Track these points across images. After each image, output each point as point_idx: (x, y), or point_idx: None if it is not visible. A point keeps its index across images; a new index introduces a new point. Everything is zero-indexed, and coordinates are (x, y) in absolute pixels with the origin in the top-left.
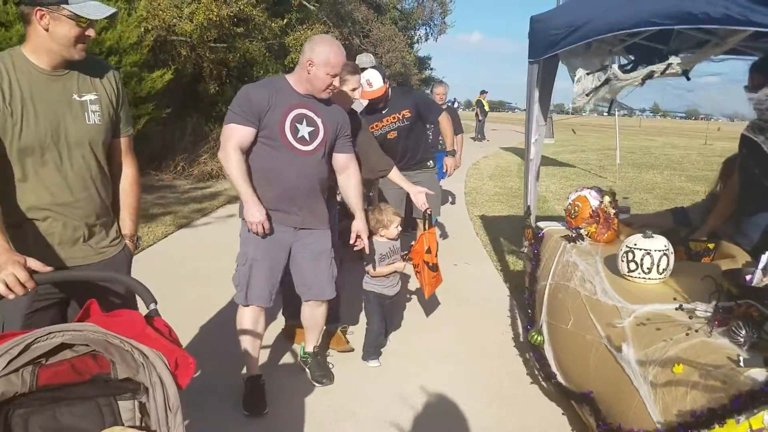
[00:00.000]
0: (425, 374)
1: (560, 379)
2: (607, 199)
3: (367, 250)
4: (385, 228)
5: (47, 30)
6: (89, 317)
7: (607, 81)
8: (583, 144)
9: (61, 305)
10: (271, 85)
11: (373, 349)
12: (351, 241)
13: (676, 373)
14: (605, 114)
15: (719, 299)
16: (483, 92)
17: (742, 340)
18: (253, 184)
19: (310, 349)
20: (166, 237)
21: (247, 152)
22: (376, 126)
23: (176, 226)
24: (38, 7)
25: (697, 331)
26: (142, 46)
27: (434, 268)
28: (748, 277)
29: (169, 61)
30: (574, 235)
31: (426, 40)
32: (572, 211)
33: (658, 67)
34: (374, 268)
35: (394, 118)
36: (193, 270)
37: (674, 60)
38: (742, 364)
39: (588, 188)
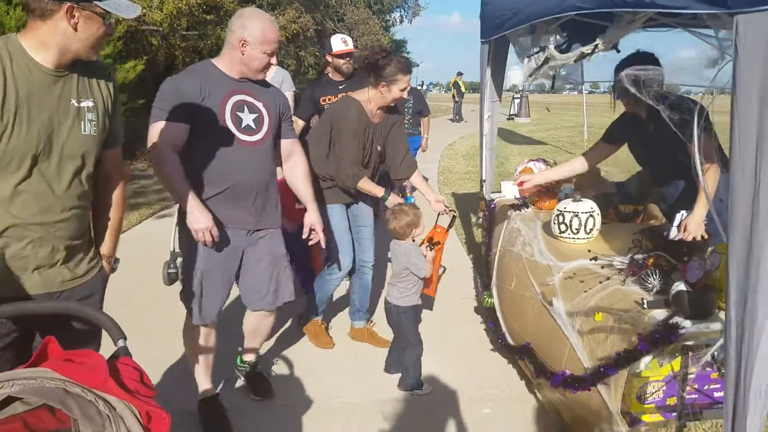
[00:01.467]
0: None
1: (508, 337)
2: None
3: (323, 244)
4: (417, 227)
5: (75, 29)
6: (46, 360)
7: (546, 61)
8: (557, 122)
9: (23, 342)
10: (199, 72)
11: (419, 374)
12: (304, 236)
13: (597, 320)
14: (581, 92)
15: (636, 253)
16: (459, 74)
17: (650, 286)
18: (208, 190)
19: (250, 358)
20: (140, 223)
21: (182, 151)
22: (328, 99)
23: (152, 213)
24: (69, 3)
25: (609, 278)
26: (113, 38)
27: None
28: (665, 233)
29: (140, 51)
30: (520, 203)
31: (401, 23)
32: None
33: (587, 48)
34: (428, 269)
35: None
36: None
37: (599, 40)
38: (645, 306)
39: (533, 160)
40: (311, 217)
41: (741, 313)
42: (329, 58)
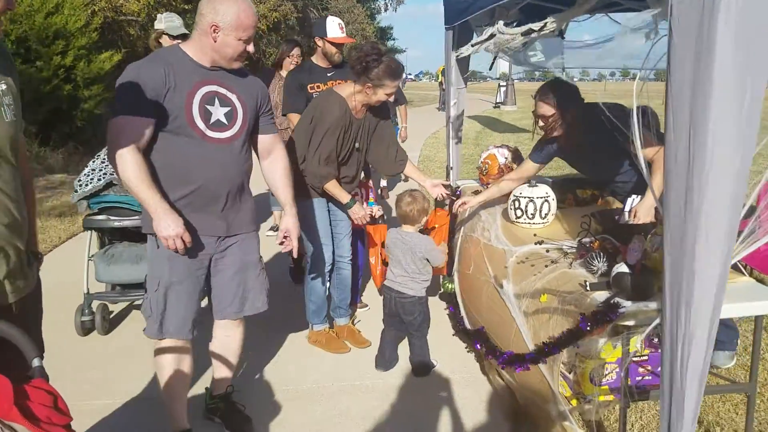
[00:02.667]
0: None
1: (465, 322)
2: (510, 156)
3: (294, 254)
4: (426, 215)
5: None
6: None
7: (491, 36)
8: None
9: None
10: (164, 59)
11: (428, 352)
12: (277, 242)
13: (542, 302)
14: (572, 79)
15: (584, 237)
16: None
17: (595, 269)
18: (173, 192)
19: (221, 390)
20: None
21: (144, 150)
22: (317, 87)
23: None
24: None
25: (554, 262)
26: (89, 29)
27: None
28: (617, 218)
29: (118, 42)
30: (483, 190)
31: (385, 11)
32: (483, 168)
33: (536, 25)
34: (443, 257)
35: (340, 83)
36: None
37: (549, 19)
38: (588, 288)
39: (497, 146)
40: (287, 223)
41: (677, 295)
42: (319, 42)
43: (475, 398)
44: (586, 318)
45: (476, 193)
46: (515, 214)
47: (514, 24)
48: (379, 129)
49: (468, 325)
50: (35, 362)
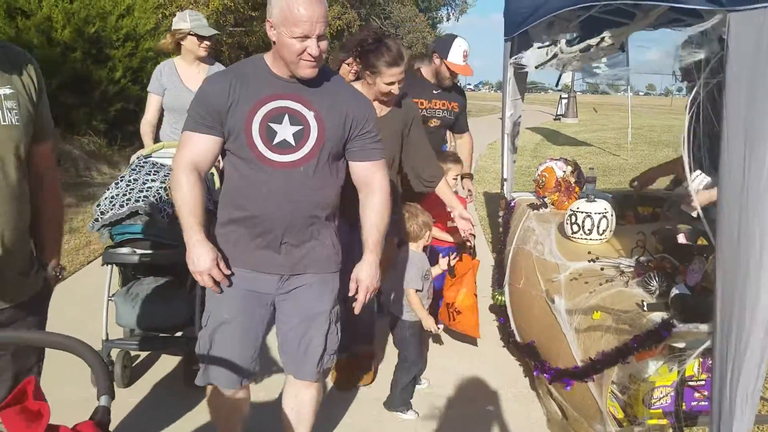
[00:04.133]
0: None
1: (516, 335)
2: (569, 169)
3: (357, 310)
4: (429, 230)
5: None
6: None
7: (555, 55)
8: (605, 123)
9: None
10: (237, 70)
11: (408, 396)
12: (351, 293)
13: (594, 319)
14: (638, 93)
15: (641, 255)
16: None
17: (653, 288)
18: (224, 216)
19: None
20: None
21: (221, 171)
22: (421, 104)
23: None
24: None
25: (610, 280)
26: (158, 32)
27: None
28: (679, 237)
29: None
30: (539, 203)
31: (447, 20)
32: (540, 181)
33: (594, 41)
34: (415, 285)
35: (444, 104)
36: None
37: (606, 33)
38: (645, 309)
39: (555, 159)
40: (360, 271)
41: (728, 317)
42: (436, 60)
43: (523, 413)
44: (637, 336)
45: (532, 205)
46: (571, 229)
47: (576, 39)
48: (411, 135)
49: (518, 339)
50: (102, 401)
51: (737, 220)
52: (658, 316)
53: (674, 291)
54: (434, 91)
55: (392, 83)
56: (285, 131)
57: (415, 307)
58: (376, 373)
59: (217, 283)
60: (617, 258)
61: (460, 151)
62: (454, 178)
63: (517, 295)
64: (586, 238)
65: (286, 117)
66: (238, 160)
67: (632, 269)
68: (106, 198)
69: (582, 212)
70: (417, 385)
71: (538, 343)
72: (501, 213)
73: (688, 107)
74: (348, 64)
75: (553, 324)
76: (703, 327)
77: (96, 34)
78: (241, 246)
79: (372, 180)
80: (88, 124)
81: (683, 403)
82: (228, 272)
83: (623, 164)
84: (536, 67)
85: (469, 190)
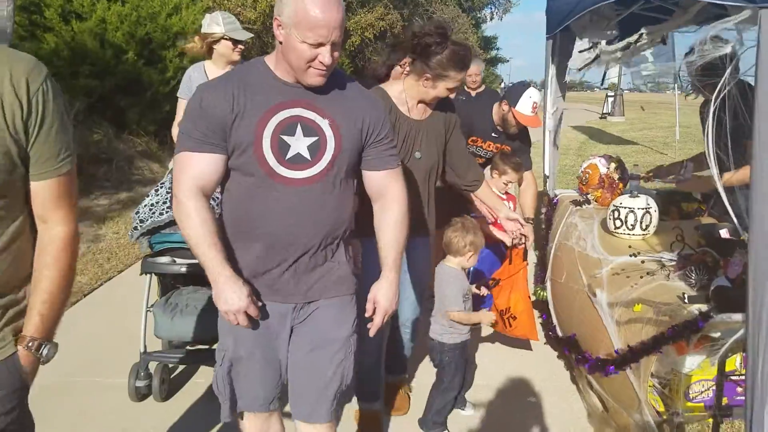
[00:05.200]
0: None
1: (558, 330)
2: (613, 165)
3: (372, 333)
4: (476, 252)
5: None
6: None
7: (596, 57)
8: (653, 122)
9: None
10: (238, 77)
11: (442, 418)
12: (367, 314)
13: (635, 311)
14: (689, 95)
15: (682, 249)
16: None
17: (693, 282)
18: (227, 242)
19: None
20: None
21: (229, 187)
22: (475, 141)
23: None
24: None
25: (651, 274)
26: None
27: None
28: (722, 231)
29: None
30: (582, 199)
31: (491, 19)
32: (584, 178)
33: (633, 38)
34: (455, 305)
35: (497, 147)
36: None
37: (644, 30)
38: (686, 301)
39: (599, 156)
40: (378, 290)
41: (759, 308)
42: (504, 106)
43: (564, 406)
44: (674, 326)
45: (575, 202)
46: (614, 225)
47: (616, 38)
48: (453, 136)
49: (560, 333)
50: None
51: None
52: (697, 308)
53: (715, 283)
54: (493, 134)
55: (455, 89)
56: (299, 144)
57: (463, 321)
58: (410, 401)
59: (251, 318)
60: (659, 252)
61: (524, 196)
62: (505, 183)
63: (558, 289)
64: (629, 234)
65: (299, 127)
66: (245, 178)
67: (674, 263)
68: (145, 206)
69: (625, 208)
70: (460, 410)
71: (579, 336)
72: (543, 210)
73: (713, 101)
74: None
75: (595, 317)
76: (737, 317)
77: (147, 36)
78: (248, 274)
79: (388, 190)
80: (138, 125)
81: (725, 398)
82: (260, 304)
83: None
84: (579, 70)
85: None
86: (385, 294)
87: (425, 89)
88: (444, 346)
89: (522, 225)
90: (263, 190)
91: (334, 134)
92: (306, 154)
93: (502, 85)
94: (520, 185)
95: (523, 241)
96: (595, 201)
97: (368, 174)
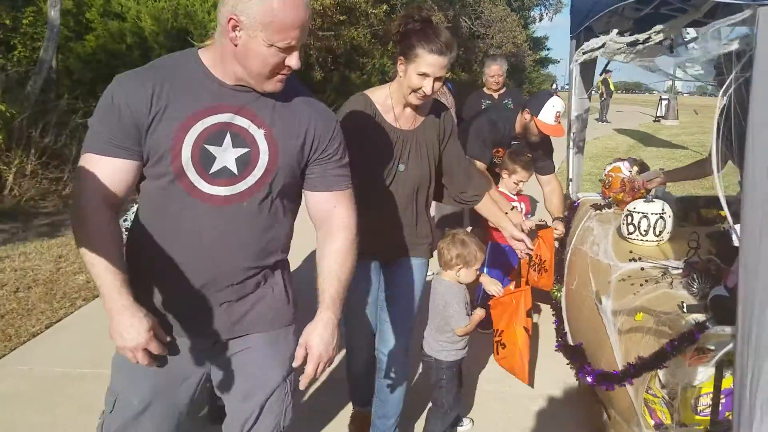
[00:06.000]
0: None
1: (568, 337)
2: (635, 169)
3: (303, 385)
4: (467, 266)
5: None
6: None
7: (604, 44)
8: (708, 126)
9: None
10: (161, 70)
11: None
12: (296, 362)
13: (637, 320)
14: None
15: (692, 257)
16: (607, 71)
17: (695, 290)
18: (136, 264)
19: None
20: None
21: (142, 200)
22: (497, 152)
23: None
24: None
25: (656, 281)
26: None
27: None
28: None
29: None
30: (603, 203)
31: (540, 20)
32: (606, 181)
33: (642, 36)
34: (463, 322)
35: None
36: None
37: (656, 28)
38: (685, 310)
39: (623, 159)
40: (312, 332)
41: (749, 319)
42: (527, 115)
43: (567, 414)
44: (672, 340)
45: (595, 206)
46: (627, 230)
47: (628, 32)
48: (448, 145)
49: (570, 340)
50: None
51: (759, 222)
52: (697, 318)
53: (713, 292)
54: (512, 142)
55: (425, 75)
56: (226, 156)
57: (471, 331)
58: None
59: (155, 357)
60: (666, 259)
61: (549, 200)
62: (516, 183)
63: (569, 296)
64: (642, 239)
65: (228, 137)
66: (160, 192)
67: (679, 271)
68: (132, 212)
69: (638, 212)
70: (459, 427)
71: (585, 345)
72: (565, 213)
73: (719, 99)
74: (491, 77)
75: (600, 326)
76: (728, 329)
77: (185, 32)
78: (158, 304)
79: (333, 216)
80: None
81: (728, 413)
82: (168, 339)
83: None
84: (584, 53)
85: (558, 232)
86: (320, 337)
87: (400, 80)
88: (441, 363)
89: (530, 248)
90: (180, 207)
91: (269, 147)
92: (233, 168)
93: (553, 86)
94: (544, 190)
95: (528, 258)
96: (616, 205)
97: (310, 195)
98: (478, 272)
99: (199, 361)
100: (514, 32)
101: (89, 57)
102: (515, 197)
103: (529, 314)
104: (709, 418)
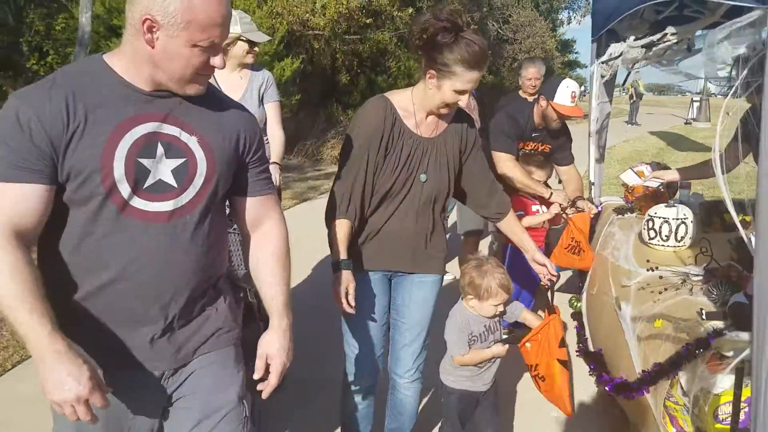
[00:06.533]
0: None
1: (589, 343)
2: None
3: (265, 395)
4: (479, 299)
5: None
6: None
7: (621, 53)
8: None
9: None
10: (66, 80)
11: None
12: (257, 374)
13: (656, 327)
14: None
15: (709, 263)
16: (637, 72)
17: (716, 297)
18: (63, 295)
19: None
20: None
21: (50, 228)
22: (526, 146)
23: (295, 200)
24: None
25: (676, 288)
26: (274, 37)
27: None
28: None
29: (302, 54)
30: (625, 208)
31: (568, 23)
32: (629, 186)
33: (656, 37)
34: (459, 351)
35: (536, 146)
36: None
37: (669, 30)
38: (704, 317)
39: (646, 163)
40: (268, 342)
41: (764, 326)
42: (542, 102)
43: (587, 421)
44: (688, 345)
45: (616, 210)
46: (648, 235)
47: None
48: (471, 158)
49: (591, 347)
50: None
51: None
52: (716, 325)
53: (732, 299)
54: (533, 134)
55: (464, 92)
56: (162, 168)
57: (472, 362)
58: None
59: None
60: (686, 266)
61: (567, 186)
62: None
63: (590, 301)
64: (663, 245)
65: (160, 147)
66: (88, 214)
67: (700, 278)
68: None
69: (659, 217)
70: None
71: (604, 351)
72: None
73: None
74: (528, 80)
75: (619, 332)
76: (744, 336)
77: None
78: (93, 342)
79: (266, 220)
80: None
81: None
82: (110, 390)
83: (751, 171)
84: (602, 63)
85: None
86: (279, 346)
87: (430, 92)
88: (444, 387)
89: (553, 274)
90: (113, 228)
91: (205, 154)
92: (171, 181)
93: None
94: (562, 179)
95: (551, 285)
96: (639, 210)
97: (240, 201)
98: (500, 308)
99: (147, 396)
100: (544, 37)
101: None
102: (534, 199)
103: (562, 343)
104: (729, 427)
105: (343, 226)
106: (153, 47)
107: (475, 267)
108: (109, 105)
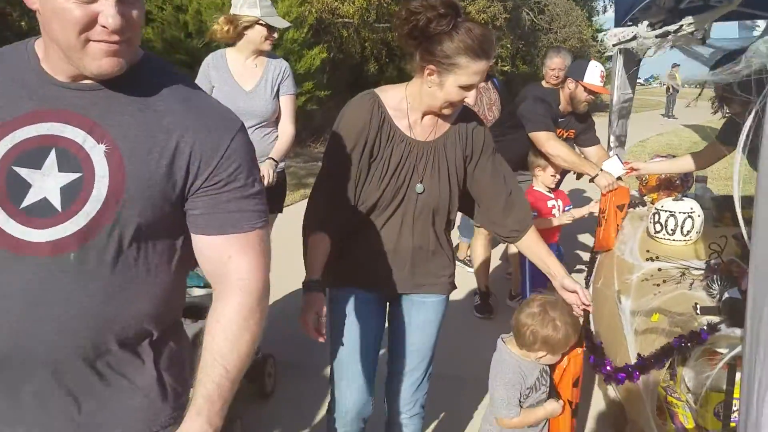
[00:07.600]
0: None
1: (593, 337)
2: None
3: None
4: (552, 353)
5: None
6: None
7: (634, 37)
8: None
9: None
10: None
11: None
12: None
13: (652, 321)
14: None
15: (713, 258)
16: (675, 65)
17: (714, 292)
18: None
19: None
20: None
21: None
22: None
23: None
24: None
25: (678, 283)
26: (303, 25)
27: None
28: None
29: (331, 42)
30: (638, 201)
31: (604, 12)
32: (643, 179)
33: (672, 27)
34: (508, 413)
35: (561, 133)
36: None
37: (686, 20)
38: (698, 312)
39: (662, 156)
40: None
41: (757, 322)
42: (570, 84)
43: (586, 413)
44: (680, 337)
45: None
46: (654, 229)
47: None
48: (481, 163)
49: (596, 341)
50: None
51: None
52: (708, 320)
53: (726, 294)
54: (559, 119)
55: (470, 87)
56: (47, 183)
57: (519, 426)
58: None
59: None
60: (688, 260)
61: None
62: (552, 175)
63: (595, 294)
64: (669, 239)
65: (53, 156)
66: None
67: (701, 272)
68: None
69: (666, 211)
70: None
71: (605, 345)
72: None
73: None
74: (552, 70)
75: (618, 326)
76: (738, 332)
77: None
78: None
79: (228, 270)
80: None
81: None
82: None
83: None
84: (614, 45)
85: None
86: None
87: (430, 90)
88: None
89: (587, 303)
90: None
91: (110, 169)
92: (55, 202)
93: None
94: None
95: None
96: (651, 203)
97: (197, 239)
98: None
99: None
100: (580, 27)
101: (148, 47)
102: (551, 194)
103: (576, 383)
104: (734, 424)
105: (318, 241)
106: (36, 8)
107: (540, 318)
108: (5, 97)
